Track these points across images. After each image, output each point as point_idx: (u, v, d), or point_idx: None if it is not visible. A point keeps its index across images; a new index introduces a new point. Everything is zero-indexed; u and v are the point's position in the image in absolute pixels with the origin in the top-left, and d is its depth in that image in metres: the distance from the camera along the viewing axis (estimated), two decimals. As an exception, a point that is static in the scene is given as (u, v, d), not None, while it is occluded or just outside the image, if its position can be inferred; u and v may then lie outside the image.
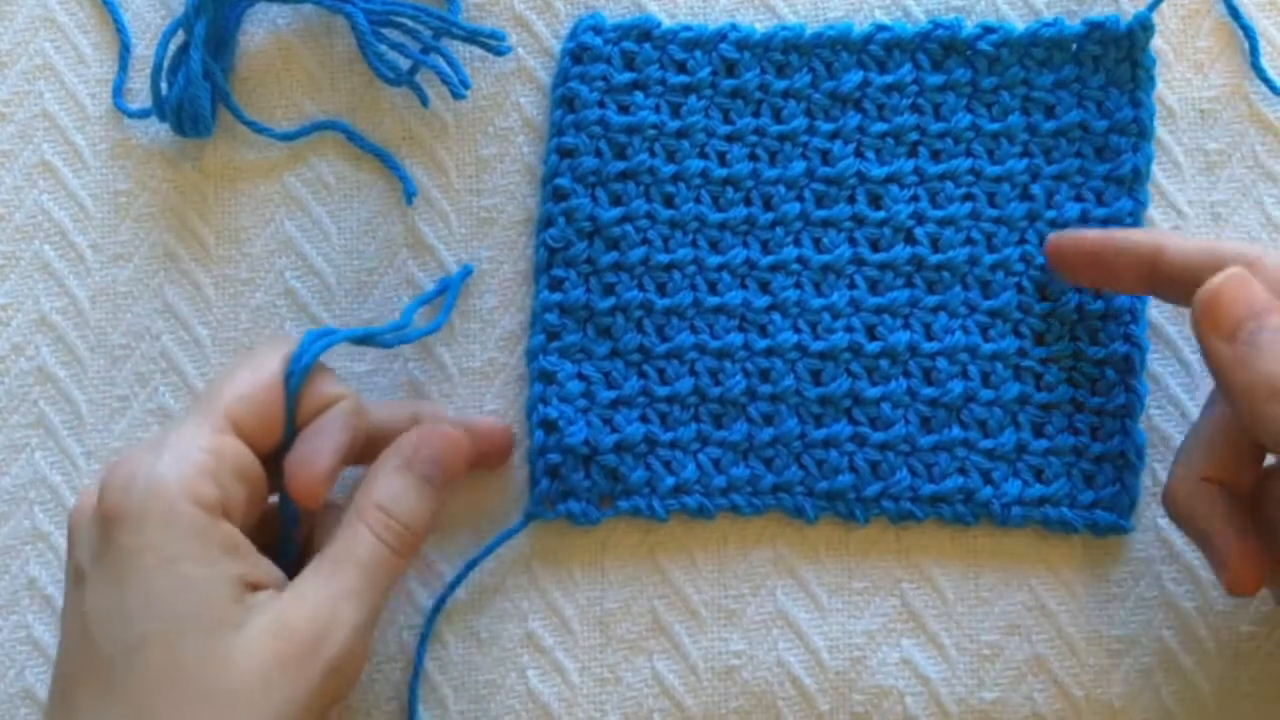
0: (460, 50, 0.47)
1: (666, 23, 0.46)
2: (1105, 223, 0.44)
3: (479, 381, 0.46)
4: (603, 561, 0.45)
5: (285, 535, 0.41)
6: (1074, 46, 0.45)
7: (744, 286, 0.45)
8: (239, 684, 0.35)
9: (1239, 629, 0.44)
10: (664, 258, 0.45)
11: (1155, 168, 0.45)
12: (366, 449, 0.42)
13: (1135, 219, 0.44)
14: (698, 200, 0.45)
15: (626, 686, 0.44)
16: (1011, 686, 0.44)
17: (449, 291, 0.45)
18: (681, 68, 0.45)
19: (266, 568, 0.38)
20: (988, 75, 0.45)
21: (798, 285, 0.45)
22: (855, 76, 0.45)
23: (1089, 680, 0.44)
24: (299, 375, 0.39)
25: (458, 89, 0.45)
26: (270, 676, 0.35)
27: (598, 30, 0.45)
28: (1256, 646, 0.43)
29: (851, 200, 0.45)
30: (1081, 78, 0.45)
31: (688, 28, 0.45)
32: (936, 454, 0.44)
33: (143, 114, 0.47)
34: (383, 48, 0.45)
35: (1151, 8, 0.44)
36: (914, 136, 0.45)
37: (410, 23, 0.46)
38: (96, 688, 0.35)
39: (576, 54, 0.45)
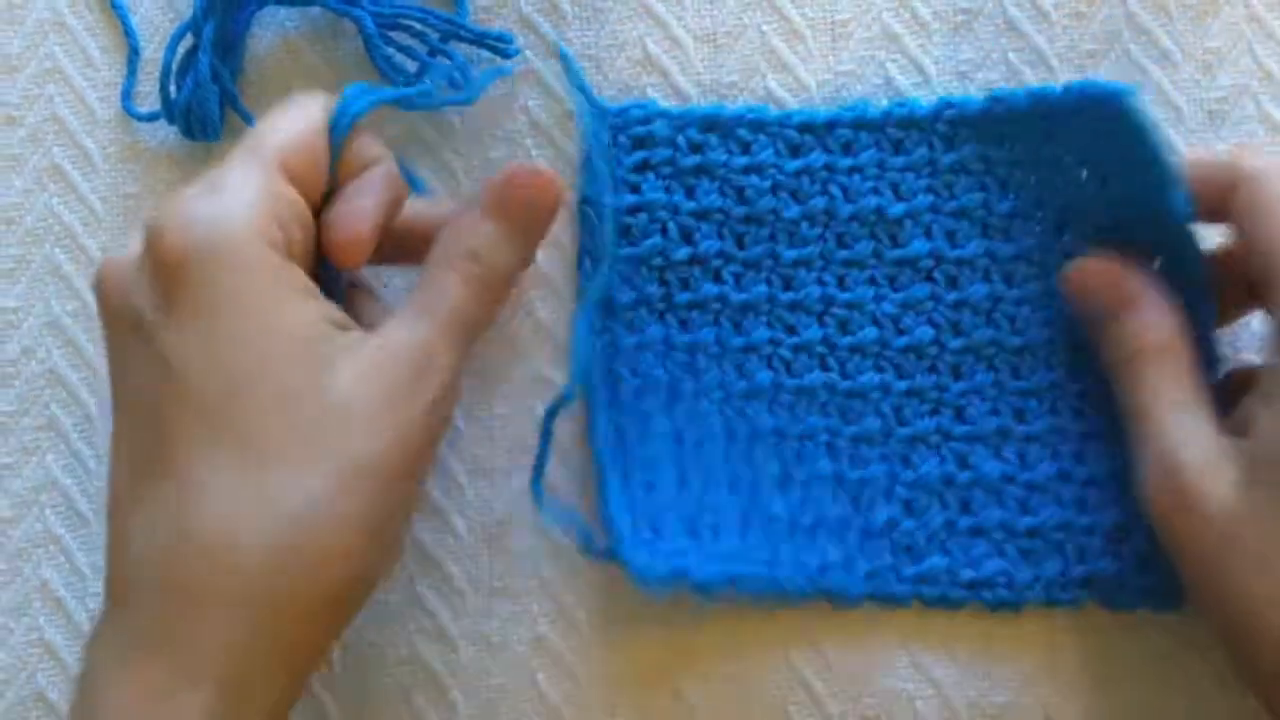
0: (467, 52, 0.47)
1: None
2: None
3: (486, 386, 0.46)
4: (613, 567, 0.45)
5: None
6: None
7: (824, 368, 0.44)
8: (348, 416, 0.35)
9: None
10: (739, 340, 0.44)
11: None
12: (398, 246, 0.41)
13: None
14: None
15: (638, 690, 0.44)
16: (1023, 690, 0.44)
17: (486, 74, 0.44)
18: (747, 149, 0.45)
19: (340, 313, 0.37)
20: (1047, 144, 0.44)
21: (879, 368, 0.44)
22: (923, 154, 0.44)
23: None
24: (345, 125, 0.38)
25: (469, 96, 0.45)
26: (377, 410, 0.35)
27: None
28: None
29: (929, 278, 0.44)
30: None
31: (750, 110, 0.45)
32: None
33: (151, 117, 0.47)
34: (390, 51, 0.45)
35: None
36: (981, 214, 0.44)
37: (418, 26, 0.46)
38: (201, 429, 0.34)
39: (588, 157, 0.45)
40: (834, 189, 0.44)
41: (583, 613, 0.45)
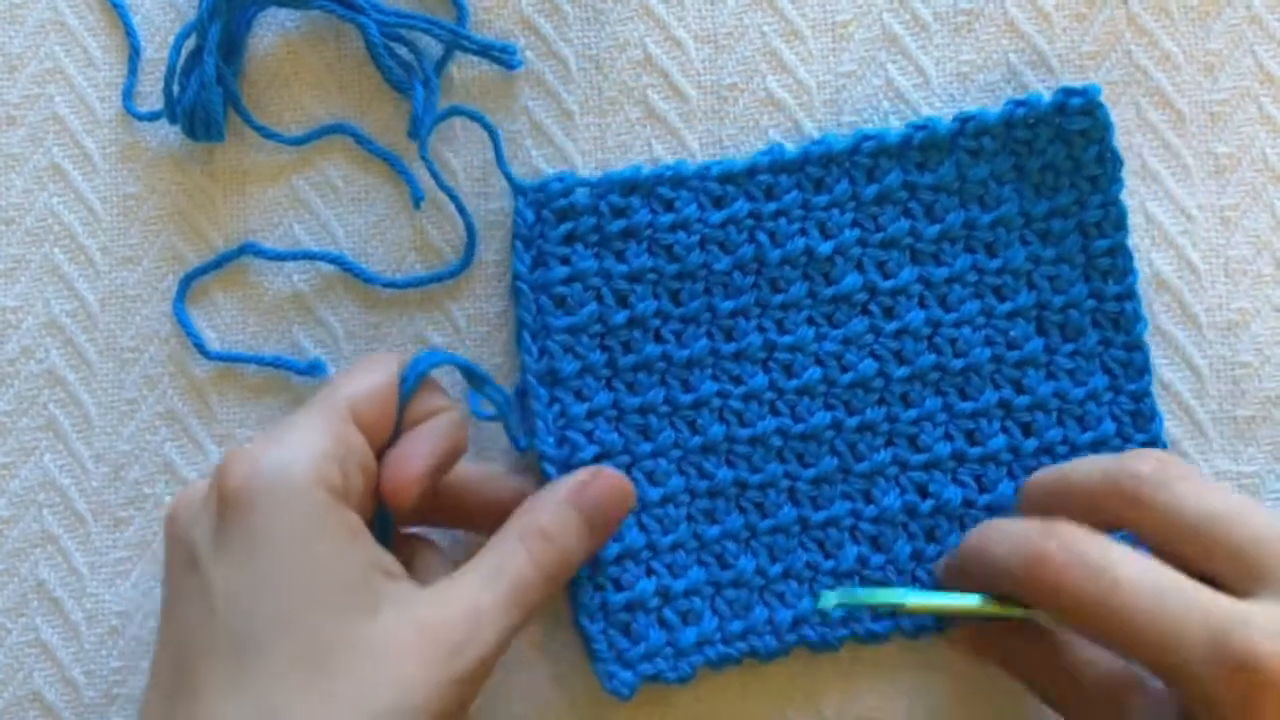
0: (466, 60, 0.46)
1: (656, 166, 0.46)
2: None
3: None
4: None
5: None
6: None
7: (775, 413, 0.44)
8: (376, 671, 0.35)
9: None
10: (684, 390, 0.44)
11: (1164, 171, 0.45)
12: (461, 512, 0.42)
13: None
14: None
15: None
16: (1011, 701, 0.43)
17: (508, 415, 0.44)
18: (670, 206, 0.44)
19: (391, 560, 0.38)
20: (973, 167, 0.44)
21: (828, 406, 0.44)
22: (845, 188, 0.44)
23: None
24: (414, 379, 0.40)
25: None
26: (408, 669, 0.35)
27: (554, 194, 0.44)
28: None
29: (866, 311, 0.44)
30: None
31: (663, 171, 0.44)
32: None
33: (152, 117, 0.47)
34: (393, 63, 0.45)
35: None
36: (909, 241, 0.44)
37: (422, 35, 0.46)
38: (226, 665, 0.35)
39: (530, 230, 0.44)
40: (761, 235, 0.44)
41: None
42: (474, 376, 0.43)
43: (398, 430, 0.40)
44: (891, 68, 0.46)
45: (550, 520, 0.39)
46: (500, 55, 0.46)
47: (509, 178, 0.45)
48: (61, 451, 0.46)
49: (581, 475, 0.41)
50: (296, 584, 0.35)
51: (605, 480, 0.41)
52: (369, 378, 0.39)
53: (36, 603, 0.46)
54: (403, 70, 0.46)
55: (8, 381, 0.47)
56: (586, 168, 0.46)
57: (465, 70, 0.47)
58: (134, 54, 0.48)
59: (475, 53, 0.46)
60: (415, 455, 0.39)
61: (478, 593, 0.37)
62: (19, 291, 0.47)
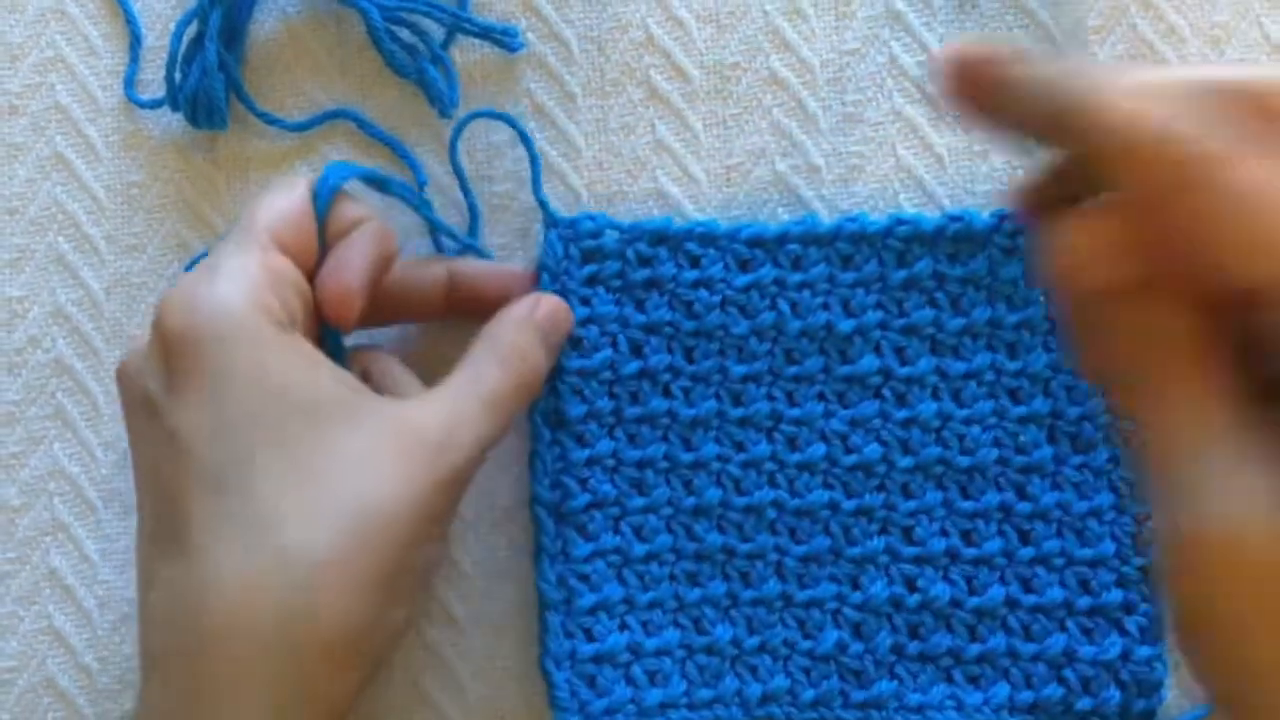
0: (468, 43, 0.46)
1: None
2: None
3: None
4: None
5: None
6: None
7: (773, 484, 0.44)
8: (360, 475, 0.35)
9: None
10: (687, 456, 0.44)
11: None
12: (397, 305, 0.42)
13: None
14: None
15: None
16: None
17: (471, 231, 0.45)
18: (696, 263, 0.44)
19: (352, 377, 0.38)
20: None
21: (827, 485, 0.44)
22: (873, 269, 0.44)
23: None
24: (327, 194, 0.39)
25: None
26: (390, 471, 0.35)
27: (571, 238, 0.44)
28: None
29: (878, 395, 0.44)
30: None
31: (693, 228, 0.44)
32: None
33: (154, 104, 0.47)
34: (395, 47, 0.45)
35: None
36: (931, 331, 0.44)
37: (423, 18, 0.45)
38: (210, 496, 0.35)
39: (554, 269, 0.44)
40: (783, 304, 0.44)
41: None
42: (376, 181, 0.42)
43: (323, 249, 0.39)
44: (895, 45, 0.46)
45: (519, 337, 0.40)
46: (502, 38, 0.46)
47: (544, 207, 0.44)
48: (71, 440, 0.46)
49: (529, 299, 0.42)
50: (265, 411, 0.35)
51: (549, 301, 0.42)
52: (282, 202, 0.39)
53: (49, 590, 0.46)
54: (405, 54, 0.46)
55: (16, 371, 0.47)
56: (590, 150, 0.46)
57: (467, 53, 0.47)
58: (135, 42, 0.47)
59: (477, 35, 0.46)
60: (348, 269, 0.39)
61: (455, 401, 0.38)
62: (24, 281, 0.47)
